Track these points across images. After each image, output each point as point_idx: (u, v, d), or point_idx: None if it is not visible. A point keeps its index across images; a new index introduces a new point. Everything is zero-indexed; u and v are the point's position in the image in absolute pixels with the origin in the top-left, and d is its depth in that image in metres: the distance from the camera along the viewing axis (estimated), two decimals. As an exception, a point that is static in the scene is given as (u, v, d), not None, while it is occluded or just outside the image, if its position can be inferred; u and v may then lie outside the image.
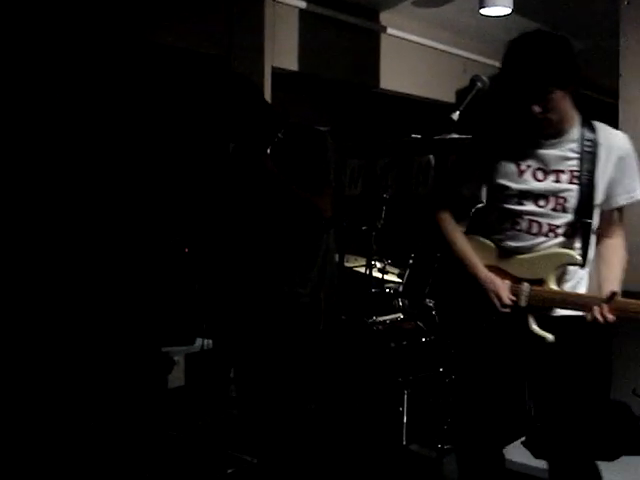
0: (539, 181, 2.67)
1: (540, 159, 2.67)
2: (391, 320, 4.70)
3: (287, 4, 6.19)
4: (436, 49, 7.64)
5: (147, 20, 5.21)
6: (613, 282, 2.60)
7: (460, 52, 7.85)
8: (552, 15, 6.81)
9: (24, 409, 4.20)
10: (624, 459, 3.89)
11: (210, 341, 4.47)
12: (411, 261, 4.90)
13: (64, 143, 4.90)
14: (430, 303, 4.81)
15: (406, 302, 4.94)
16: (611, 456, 3.85)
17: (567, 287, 2.69)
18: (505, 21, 6.71)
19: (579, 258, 2.61)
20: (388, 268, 5.07)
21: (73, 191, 4.91)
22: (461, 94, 2.60)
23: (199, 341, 4.87)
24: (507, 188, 2.72)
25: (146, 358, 4.92)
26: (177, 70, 5.58)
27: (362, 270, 4.88)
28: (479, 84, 2.58)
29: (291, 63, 6.32)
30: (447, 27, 7.51)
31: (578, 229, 2.63)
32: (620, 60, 4.57)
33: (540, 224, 2.68)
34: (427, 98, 7.67)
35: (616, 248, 2.71)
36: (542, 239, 2.68)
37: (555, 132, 2.64)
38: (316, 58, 6.51)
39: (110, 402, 4.53)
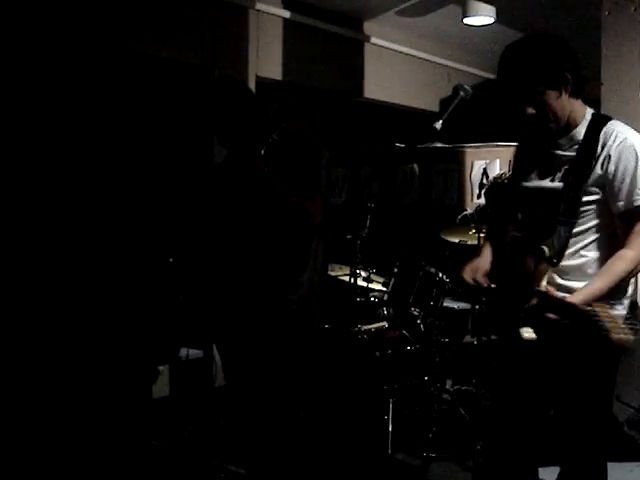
0: (540, 179, 2.69)
1: (547, 161, 2.68)
2: (376, 329, 4.70)
3: (271, 14, 6.21)
4: (420, 58, 7.67)
5: (131, 31, 5.20)
6: (584, 288, 2.53)
7: (444, 61, 7.88)
8: (534, 24, 6.86)
9: (8, 419, 4.17)
10: (608, 465, 3.90)
11: (195, 350, 4.46)
12: (396, 270, 4.90)
13: (49, 152, 4.88)
14: (415, 312, 4.82)
15: (391, 311, 4.94)
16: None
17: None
18: (488, 30, 6.76)
19: (547, 251, 2.54)
20: (373, 277, 5.07)
21: (57, 199, 4.90)
22: (445, 103, 2.61)
23: (184, 351, 4.86)
24: (518, 189, 2.77)
25: (130, 368, 4.90)
26: (161, 80, 5.58)
27: (347, 279, 4.88)
28: (462, 93, 2.59)
29: (275, 72, 6.33)
30: (431, 36, 7.54)
31: (560, 226, 2.59)
32: (602, 68, 4.61)
33: (536, 223, 2.68)
34: (411, 107, 7.69)
35: (617, 258, 2.56)
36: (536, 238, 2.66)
37: (561, 132, 2.64)
38: (300, 67, 6.52)
39: (94, 412, 4.51)
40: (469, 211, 5.76)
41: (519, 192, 2.78)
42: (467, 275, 2.80)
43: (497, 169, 6.50)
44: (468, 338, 5.15)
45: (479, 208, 5.67)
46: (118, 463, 4.09)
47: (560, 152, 2.65)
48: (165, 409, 4.99)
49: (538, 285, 2.55)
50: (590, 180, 2.56)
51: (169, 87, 5.57)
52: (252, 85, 5.98)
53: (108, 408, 4.59)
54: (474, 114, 5.85)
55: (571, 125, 2.63)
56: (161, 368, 5.12)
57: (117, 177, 5.26)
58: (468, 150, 6.79)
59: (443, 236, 5.05)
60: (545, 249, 2.56)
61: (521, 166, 2.84)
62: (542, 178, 2.69)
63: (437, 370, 4.64)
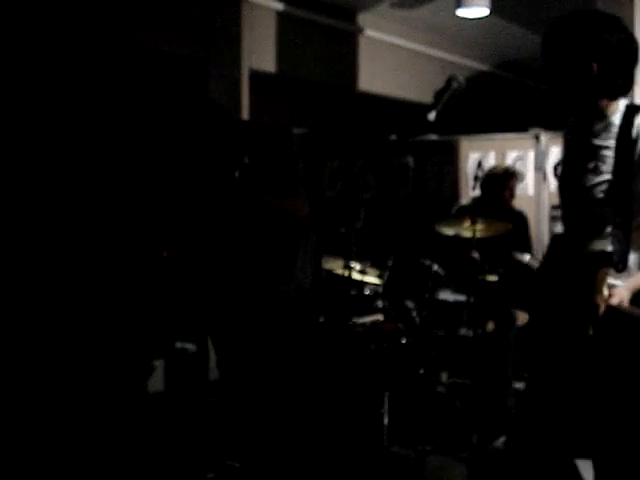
0: (584, 173, 2.58)
1: (589, 149, 2.58)
2: (371, 322, 4.69)
3: (264, 6, 6.19)
4: (414, 50, 7.66)
5: (124, 23, 5.18)
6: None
7: (438, 53, 7.88)
8: (529, 16, 6.86)
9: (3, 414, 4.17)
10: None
11: (190, 345, 4.45)
12: (391, 262, 4.89)
13: (40, 144, 4.86)
14: (410, 304, 4.81)
15: (386, 303, 4.93)
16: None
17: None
18: (483, 22, 6.75)
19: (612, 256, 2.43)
20: (368, 269, 5.06)
21: (49, 193, 4.88)
22: (438, 94, 2.59)
23: (178, 345, 4.85)
24: (568, 183, 2.69)
25: (125, 363, 4.89)
26: (155, 73, 5.55)
27: (341, 272, 4.88)
28: (455, 84, 2.57)
29: (269, 65, 6.32)
30: (425, 28, 7.53)
31: (618, 220, 2.45)
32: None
33: (591, 218, 2.56)
34: (405, 99, 7.69)
35: None
36: (594, 233, 2.55)
37: (595, 118, 2.56)
38: (294, 60, 6.51)
39: (89, 407, 4.50)
40: (464, 203, 5.75)
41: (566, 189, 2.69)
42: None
43: (492, 161, 6.49)
44: (463, 331, 5.15)
45: (474, 200, 5.66)
46: (112, 458, 4.08)
47: (597, 141, 2.55)
48: (160, 404, 4.98)
49: (600, 292, 2.43)
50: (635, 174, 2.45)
51: (162, 80, 5.54)
52: (245, 78, 5.97)
53: (102, 403, 4.58)
54: (469, 106, 5.84)
55: (605, 110, 2.53)
56: (156, 363, 5.11)
57: (110, 171, 5.24)
58: (463, 142, 6.78)
59: (438, 228, 5.03)
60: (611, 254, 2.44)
61: (567, 160, 2.75)
62: (584, 172, 2.57)
63: (432, 363, 4.64)
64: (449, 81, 2.58)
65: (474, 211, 5.24)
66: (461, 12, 6.34)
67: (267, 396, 3.31)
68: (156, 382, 5.12)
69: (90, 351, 4.75)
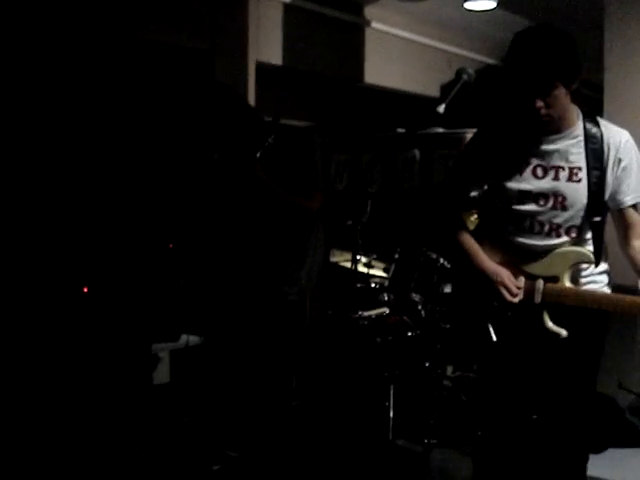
0: (538, 179, 2.65)
1: (540, 155, 2.65)
2: (377, 315, 4.69)
3: (271, -2, 6.18)
4: (421, 43, 7.64)
5: (131, 16, 5.18)
6: None
7: (445, 46, 7.85)
8: (536, 9, 6.83)
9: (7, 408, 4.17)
10: (610, 451, 3.91)
11: (195, 337, 4.45)
12: (397, 255, 4.89)
13: (46, 138, 4.86)
14: (416, 297, 4.81)
15: (392, 297, 4.93)
16: (598, 449, 3.86)
17: (582, 285, 2.67)
18: (490, 15, 6.73)
19: (591, 256, 2.60)
20: (374, 263, 5.06)
21: (56, 185, 4.88)
22: (446, 88, 2.58)
23: (184, 337, 4.85)
24: (508, 189, 2.73)
25: (131, 355, 4.89)
26: (162, 66, 5.55)
27: (348, 265, 4.87)
28: (465, 77, 2.56)
29: (275, 57, 6.30)
30: (432, 21, 7.50)
31: (587, 227, 2.62)
32: (605, 54, 4.58)
33: (542, 223, 2.67)
34: (412, 92, 7.66)
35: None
36: (546, 238, 2.66)
37: (555, 128, 2.62)
38: (300, 52, 6.50)
39: (94, 399, 4.51)
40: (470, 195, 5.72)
41: (509, 193, 2.75)
42: (514, 288, 2.74)
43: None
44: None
45: (480, 192, 5.63)
46: (119, 450, 4.09)
47: (553, 146, 2.63)
48: (165, 396, 4.99)
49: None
50: (612, 176, 2.59)
51: (169, 72, 5.54)
52: (252, 70, 5.96)
53: (107, 395, 4.58)
54: (475, 99, 5.82)
55: (565, 121, 2.61)
56: (161, 355, 5.12)
57: (117, 164, 5.24)
58: (469, 135, 6.74)
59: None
60: (585, 252, 2.62)
61: (490, 164, 2.81)
62: (538, 177, 2.66)
63: (438, 356, 4.63)
64: (459, 74, 2.57)
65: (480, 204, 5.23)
66: (469, 5, 6.34)
67: (269, 390, 3.32)
68: (162, 374, 5.13)
69: (96, 344, 4.76)
